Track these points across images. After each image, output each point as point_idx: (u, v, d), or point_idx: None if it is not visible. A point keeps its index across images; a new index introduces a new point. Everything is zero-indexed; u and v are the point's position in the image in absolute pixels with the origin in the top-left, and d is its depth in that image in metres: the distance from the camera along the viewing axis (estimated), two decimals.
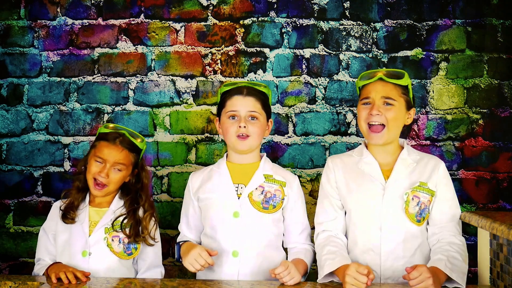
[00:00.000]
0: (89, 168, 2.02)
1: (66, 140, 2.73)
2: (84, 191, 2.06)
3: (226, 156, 2.03)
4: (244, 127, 1.90)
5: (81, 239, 1.98)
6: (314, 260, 1.94)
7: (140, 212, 2.05)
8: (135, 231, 2.00)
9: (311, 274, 2.61)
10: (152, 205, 2.10)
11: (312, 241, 2.01)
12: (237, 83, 2.00)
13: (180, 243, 1.95)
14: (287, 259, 1.99)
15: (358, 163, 1.92)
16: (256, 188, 1.92)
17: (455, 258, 1.75)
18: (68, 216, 2.00)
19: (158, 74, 2.74)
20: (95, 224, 2.01)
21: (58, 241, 2.01)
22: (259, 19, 2.73)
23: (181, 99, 2.73)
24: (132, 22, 2.75)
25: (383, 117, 1.82)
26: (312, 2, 2.72)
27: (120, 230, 2.00)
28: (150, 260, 2.06)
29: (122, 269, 2.00)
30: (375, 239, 1.83)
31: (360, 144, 2.00)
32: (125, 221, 2.01)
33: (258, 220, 1.90)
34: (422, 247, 1.86)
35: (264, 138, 2.66)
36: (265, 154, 2.06)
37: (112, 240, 1.98)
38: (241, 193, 1.92)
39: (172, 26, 2.74)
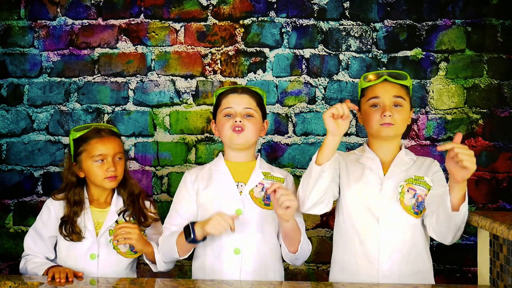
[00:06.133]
0: (94, 173, 1.98)
1: (66, 140, 2.72)
2: (80, 202, 2.02)
3: (223, 155, 2.03)
4: (240, 121, 1.91)
5: (88, 240, 1.98)
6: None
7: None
8: (139, 220, 2.02)
9: (296, 273, 2.67)
10: (137, 186, 2.10)
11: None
12: (232, 86, 2.04)
13: (192, 222, 1.86)
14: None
15: (360, 158, 1.96)
16: (256, 185, 1.93)
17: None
18: (74, 230, 1.96)
19: (158, 74, 2.74)
20: (99, 225, 2.00)
21: (61, 244, 2.00)
22: (259, 19, 2.73)
23: (181, 99, 2.73)
24: (132, 22, 2.75)
25: (393, 118, 1.87)
26: (312, 2, 2.72)
27: None
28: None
29: (128, 269, 2.02)
30: (373, 231, 1.86)
31: (362, 144, 2.03)
32: (127, 214, 2.02)
33: (260, 217, 1.90)
34: (419, 241, 1.88)
35: (264, 138, 2.70)
36: (259, 154, 2.07)
37: (118, 241, 1.96)
38: (241, 191, 1.92)
39: (172, 26, 2.74)
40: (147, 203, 2.09)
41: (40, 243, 2.02)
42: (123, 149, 2.06)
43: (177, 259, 1.94)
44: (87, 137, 2.00)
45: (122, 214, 2.03)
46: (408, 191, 1.86)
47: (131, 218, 2.03)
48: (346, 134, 2.70)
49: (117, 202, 2.04)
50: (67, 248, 1.98)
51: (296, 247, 1.86)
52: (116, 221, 2.01)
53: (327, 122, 1.69)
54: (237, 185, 1.93)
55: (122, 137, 2.64)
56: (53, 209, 2.02)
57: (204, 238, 1.82)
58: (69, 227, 1.96)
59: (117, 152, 2.00)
